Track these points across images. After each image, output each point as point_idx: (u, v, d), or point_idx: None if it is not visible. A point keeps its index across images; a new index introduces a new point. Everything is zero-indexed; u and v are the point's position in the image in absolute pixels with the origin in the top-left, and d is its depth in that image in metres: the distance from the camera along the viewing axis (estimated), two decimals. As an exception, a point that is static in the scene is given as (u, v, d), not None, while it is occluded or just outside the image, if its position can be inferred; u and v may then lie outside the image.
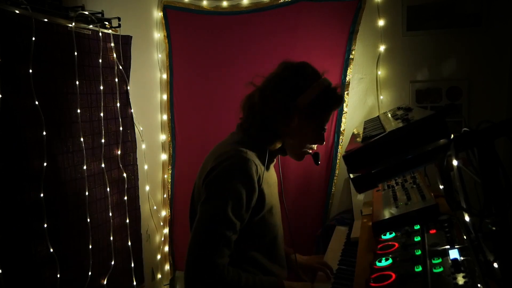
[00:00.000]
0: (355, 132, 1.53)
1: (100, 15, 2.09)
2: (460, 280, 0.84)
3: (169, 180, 2.80)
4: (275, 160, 1.42)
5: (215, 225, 1.14)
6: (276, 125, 1.27)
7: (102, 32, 2.11)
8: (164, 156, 2.83)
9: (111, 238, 2.15)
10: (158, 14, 2.73)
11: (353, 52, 2.42)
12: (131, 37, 2.33)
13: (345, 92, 2.44)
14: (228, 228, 1.15)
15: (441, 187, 1.13)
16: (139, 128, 2.51)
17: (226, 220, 1.15)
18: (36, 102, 1.70)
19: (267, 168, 1.32)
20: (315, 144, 1.36)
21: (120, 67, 2.26)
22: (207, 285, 1.12)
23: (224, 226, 1.15)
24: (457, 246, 1.00)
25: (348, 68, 2.43)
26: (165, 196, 2.82)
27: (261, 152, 1.29)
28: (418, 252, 1.05)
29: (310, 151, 1.38)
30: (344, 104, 2.45)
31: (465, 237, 1.04)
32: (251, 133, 1.30)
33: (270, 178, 1.36)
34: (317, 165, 1.41)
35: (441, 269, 0.92)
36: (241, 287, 1.16)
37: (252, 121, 1.30)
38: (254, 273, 1.28)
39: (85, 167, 1.99)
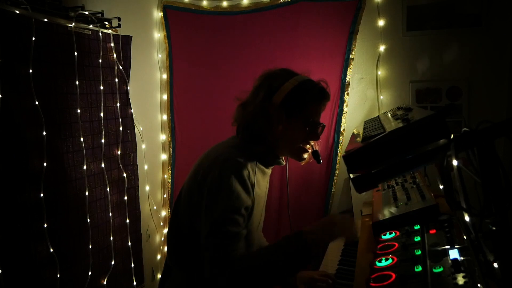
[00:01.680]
0: (355, 132, 1.53)
1: (100, 15, 2.09)
2: (460, 280, 0.84)
3: (169, 180, 2.80)
4: (268, 171, 1.41)
5: (223, 226, 1.17)
6: (260, 129, 1.27)
7: (102, 32, 2.11)
8: (164, 156, 2.83)
9: (111, 238, 2.15)
10: (158, 14, 2.73)
11: (353, 52, 2.42)
12: (131, 37, 2.33)
13: (345, 92, 2.44)
14: (235, 225, 1.18)
15: (441, 187, 1.13)
16: (139, 128, 2.51)
17: (232, 219, 1.18)
18: (36, 102, 1.70)
19: (257, 177, 1.32)
20: (307, 141, 1.34)
21: (120, 67, 2.26)
22: (229, 279, 1.15)
23: (232, 224, 1.17)
24: (457, 246, 0.99)
25: (348, 68, 2.43)
26: (165, 196, 2.82)
27: (253, 160, 1.30)
28: (418, 252, 1.05)
29: (308, 149, 1.36)
30: (344, 104, 2.45)
31: (465, 237, 1.04)
32: (242, 141, 1.32)
33: (258, 187, 1.34)
34: (319, 163, 1.40)
35: (441, 269, 0.91)
36: (260, 267, 1.17)
37: (241, 133, 1.33)
38: None
39: (85, 167, 1.99)
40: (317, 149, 1.39)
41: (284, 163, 1.42)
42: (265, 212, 1.50)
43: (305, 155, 1.37)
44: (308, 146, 1.35)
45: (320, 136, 1.37)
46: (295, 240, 1.21)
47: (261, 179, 1.36)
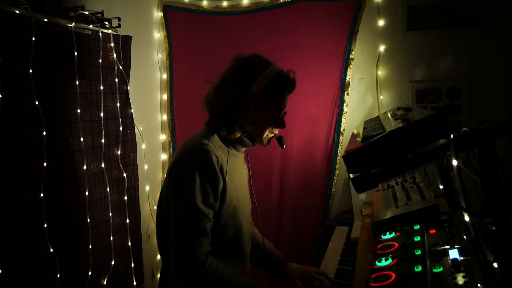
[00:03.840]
0: (355, 132, 1.53)
1: (100, 15, 2.09)
2: (460, 280, 0.84)
3: (169, 180, 2.80)
4: (242, 153, 1.43)
5: (188, 218, 1.20)
6: (234, 115, 1.30)
7: (102, 32, 2.11)
8: (164, 156, 2.83)
9: (111, 238, 2.15)
10: (158, 14, 2.73)
11: (353, 52, 2.42)
12: (131, 37, 2.33)
13: (345, 92, 2.44)
14: (200, 219, 1.20)
15: (441, 187, 1.13)
16: (139, 128, 2.51)
17: (197, 212, 1.19)
18: (36, 102, 1.70)
19: (230, 161, 1.33)
20: (276, 128, 1.38)
21: (120, 67, 2.26)
22: (191, 276, 1.19)
23: (196, 218, 1.20)
24: (457, 246, 1.00)
25: (348, 68, 2.43)
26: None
27: (223, 144, 1.32)
28: (418, 252, 1.05)
29: (272, 135, 1.40)
30: (344, 104, 2.45)
31: (465, 237, 1.04)
32: (211, 127, 1.34)
33: (235, 171, 1.36)
34: (282, 148, 1.44)
35: (441, 269, 0.92)
36: (221, 283, 1.21)
37: (211, 116, 1.35)
38: None
39: (85, 167, 1.99)
40: (281, 135, 1.44)
41: (252, 145, 1.42)
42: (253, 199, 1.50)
43: (268, 142, 1.41)
44: (273, 133, 1.39)
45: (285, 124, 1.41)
46: None
47: (235, 163, 1.38)
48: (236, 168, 1.38)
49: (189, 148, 1.26)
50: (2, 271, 1.53)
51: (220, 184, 1.25)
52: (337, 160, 2.48)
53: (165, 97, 2.78)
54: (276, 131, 1.41)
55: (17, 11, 1.65)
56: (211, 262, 1.21)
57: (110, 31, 2.18)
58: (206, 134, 1.32)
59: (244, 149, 1.43)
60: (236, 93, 1.29)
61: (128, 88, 2.32)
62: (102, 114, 2.12)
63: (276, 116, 1.35)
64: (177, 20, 2.71)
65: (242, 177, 1.43)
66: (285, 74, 1.33)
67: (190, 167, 1.22)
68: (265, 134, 1.37)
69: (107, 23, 2.13)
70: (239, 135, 1.34)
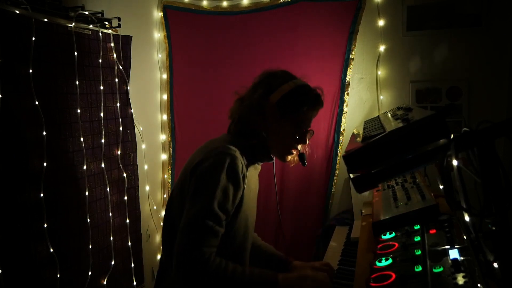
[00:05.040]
0: (355, 132, 1.53)
1: (100, 15, 2.09)
2: (460, 280, 0.84)
3: (169, 180, 2.80)
4: (259, 166, 1.43)
5: (202, 217, 1.17)
6: (253, 125, 1.30)
7: (102, 32, 2.11)
8: (164, 156, 2.83)
9: (111, 238, 2.15)
10: (158, 14, 2.73)
11: (353, 52, 2.42)
12: (131, 37, 2.33)
13: (345, 92, 2.44)
14: (214, 220, 1.18)
15: (441, 187, 1.14)
16: (139, 128, 2.51)
17: (212, 212, 1.18)
18: (36, 102, 1.70)
19: (249, 171, 1.33)
20: (295, 144, 1.36)
21: (120, 67, 2.26)
22: (194, 273, 1.15)
23: (211, 218, 1.17)
24: (457, 246, 0.99)
25: (348, 68, 2.43)
26: (165, 196, 2.82)
27: (246, 153, 1.31)
28: (418, 252, 1.05)
29: (294, 152, 1.38)
30: (344, 104, 2.45)
31: (465, 237, 1.04)
32: (235, 135, 1.35)
33: (251, 182, 1.36)
34: (304, 166, 1.43)
35: (441, 269, 0.92)
36: (227, 276, 1.17)
37: (235, 125, 1.36)
38: None
39: (85, 167, 1.99)
40: (303, 152, 1.42)
41: (273, 160, 1.43)
42: (256, 211, 1.50)
43: (289, 157, 1.39)
44: (294, 149, 1.37)
45: (307, 141, 1.39)
46: (269, 284, 1.22)
47: (253, 175, 1.37)
48: (252, 180, 1.37)
49: (218, 150, 1.23)
50: (2, 271, 1.53)
51: (240, 191, 1.24)
52: (337, 160, 2.48)
53: (165, 97, 2.78)
54: (299, 147, 1.39)
55: (17, 11, 1.65)
56: (215, 258, 1.19)
57: (110, 31, 2.18)
58: (231, 140, 1.31)
59: (261, 163, 1.42)
60: (255, 101, 1.30)
61: (128, 88, 2.33)
62: (102, 114, 2.12)
63: (296, 130, 1.33)
64: (177, 20, 2.71)
65: (253, 188, 1.41)
66: (308, 87, 1.33)
67: (217, 169, 1.20)
68: (286, 149, 1.35)
69: (107, 23, 2.13)
70: (256, 142, 1.33)
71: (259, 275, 1.22)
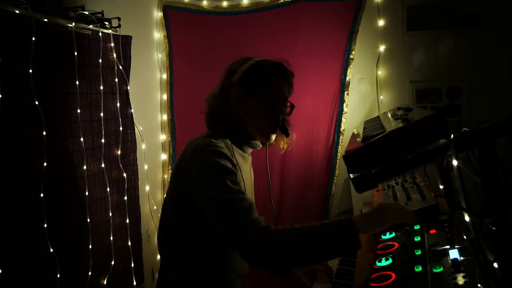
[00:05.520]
0: (355, 132, 1.53)
1: (100, 15, 2.09)
2: (460, 280, 0.84)
3: (169, 180, 2.80)
4: (248, 156, 1.41)
5: (227, 198, 1.11)
6: (222, 110, 1.31)
7: (102, 32, 2.11)
8: (164, 156, 2.83)
9: (111, 238, 2.15)
10: (158, 14, 2.73)
11: (353, 52, 2.42)
12: (131, 37, 2.33)
13: (345, 92, 2.44)
14: (236, 193, 1.13)
15: (441, 187, 1.14)
16: (139, 128, 2.51)
17: (230, 189, 1.13)
18: (36, 102, 1.70)
19: (238, 161, 1.31)
20: (272, 117, 1.32)
21: (120, 67, 2.26)
22: (264, 245, 1.06)
23: (235, 194, 1.12)
24: (457, 246, 0.99)
25: (348, 68, 2.43)
26: (165, 196, 2.82)
27: (225, 141, 1.29)
28: (418, 252, 1.05)
29: (273, 128, 1.34)
30: (344, 104, 2.45)
31: (465, 237, 1.04)
32: (210, 127, 1.37)
33: (243, 172, 1.32)
34: (287, 136, 1.39)
35: (441, 269, 0.91)
36: (297, 231, 1.08)
37: (207, 117, 1.39)
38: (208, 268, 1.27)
39: (85, 167, 1.99)
40: (285, 124, 1.38)
41: (261, 146, 1.41)
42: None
43: (273, 135, 1.36)
44: (271, 124, 1.33)
45: (285, 112, 1.35)
46: (345, 228, 1.09)
47: (243, 165, 1.35)
48: (244, 170, 1.34)
49: (201, 145, 1.21)
50: (2, 271, 1.53)
51: (238, 172, 1.22)
52: (337, 160, 2.48)
53: (165, 97, 2.78)
54: (280, 121, 1.34)
55: (17, 11, 1.65)
56: (270, 225, 1.09)
57: (110, 31, 2.18)
58: (209, 134, 1.31)
59: (250, 151, 1.41)
60: (218, 89, 1.34)
61: (128, 88, 2.32)
62: (102, 114, 2.12)
63: (267, 104, 1.30)
64: (177, 20, 2.71)
65: (247, 179, 1.39)
66: (267, 60, 1.33)
67: (208, 159, 1.17)
68: (264, 127, 1.32)
69: (107, 23, 2.13)
70: (229, 125, 1.31)
71: (330, 222, 1.11)
